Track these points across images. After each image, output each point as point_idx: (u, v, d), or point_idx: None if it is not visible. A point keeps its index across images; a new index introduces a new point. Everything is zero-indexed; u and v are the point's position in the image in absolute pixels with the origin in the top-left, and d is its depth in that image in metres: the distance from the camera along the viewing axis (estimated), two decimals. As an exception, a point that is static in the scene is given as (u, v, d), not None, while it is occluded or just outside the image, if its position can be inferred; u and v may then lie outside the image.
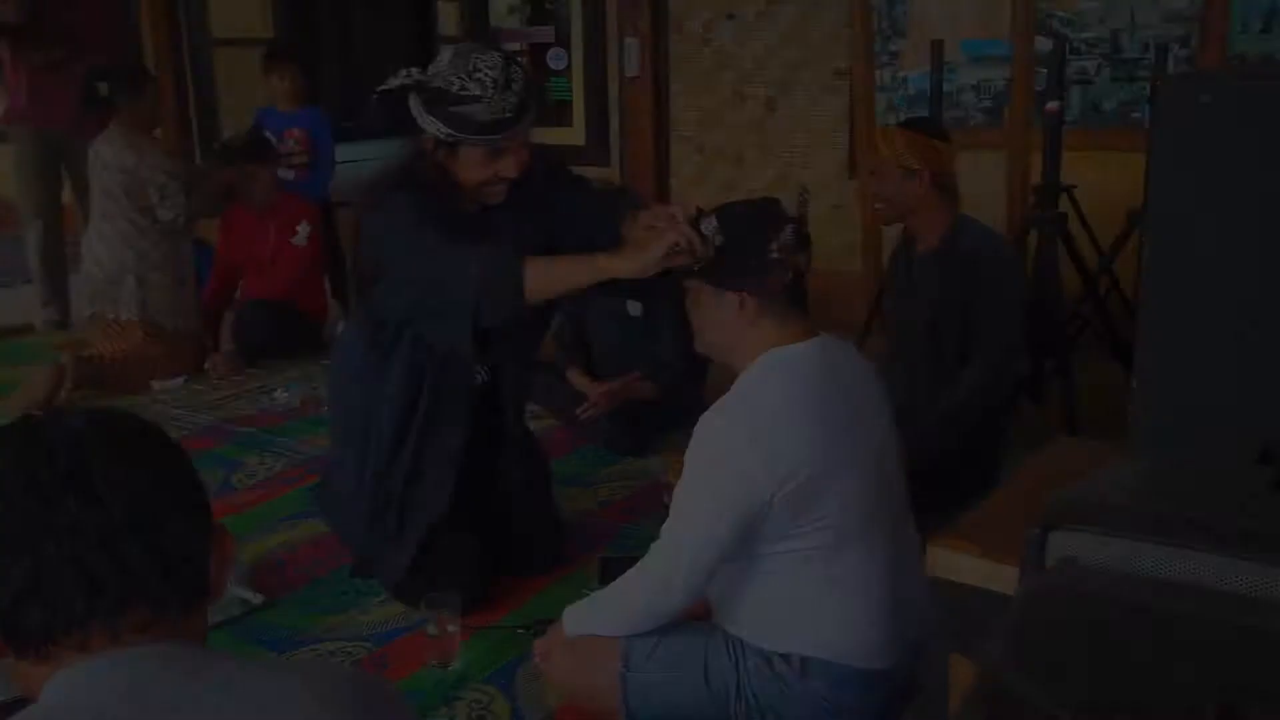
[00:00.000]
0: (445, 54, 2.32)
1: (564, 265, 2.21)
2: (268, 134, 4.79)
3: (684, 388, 3.57)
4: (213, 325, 4.72)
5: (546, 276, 2.18)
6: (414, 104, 2.30)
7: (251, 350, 4.58)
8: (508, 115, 2.25)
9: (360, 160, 8.95)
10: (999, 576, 1.83)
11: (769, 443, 1.87)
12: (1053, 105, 3.54)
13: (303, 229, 4.66)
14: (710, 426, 1.93)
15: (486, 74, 2.23)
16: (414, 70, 2.30)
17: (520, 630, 2.44)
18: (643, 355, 3.60)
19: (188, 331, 4.47)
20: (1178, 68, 3.98)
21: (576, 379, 3.52)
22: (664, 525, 1.99)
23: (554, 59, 5.57)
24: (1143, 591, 0.94)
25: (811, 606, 1.98)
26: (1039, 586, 0.98)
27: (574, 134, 5.50)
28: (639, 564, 2.01)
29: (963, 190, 3.03)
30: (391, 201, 2.31)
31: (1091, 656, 0.88)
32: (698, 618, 2.21)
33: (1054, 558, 1.14)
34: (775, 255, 1.97)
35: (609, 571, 2.68)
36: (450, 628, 2.33)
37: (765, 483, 1.86)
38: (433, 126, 2.27)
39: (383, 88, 2.29)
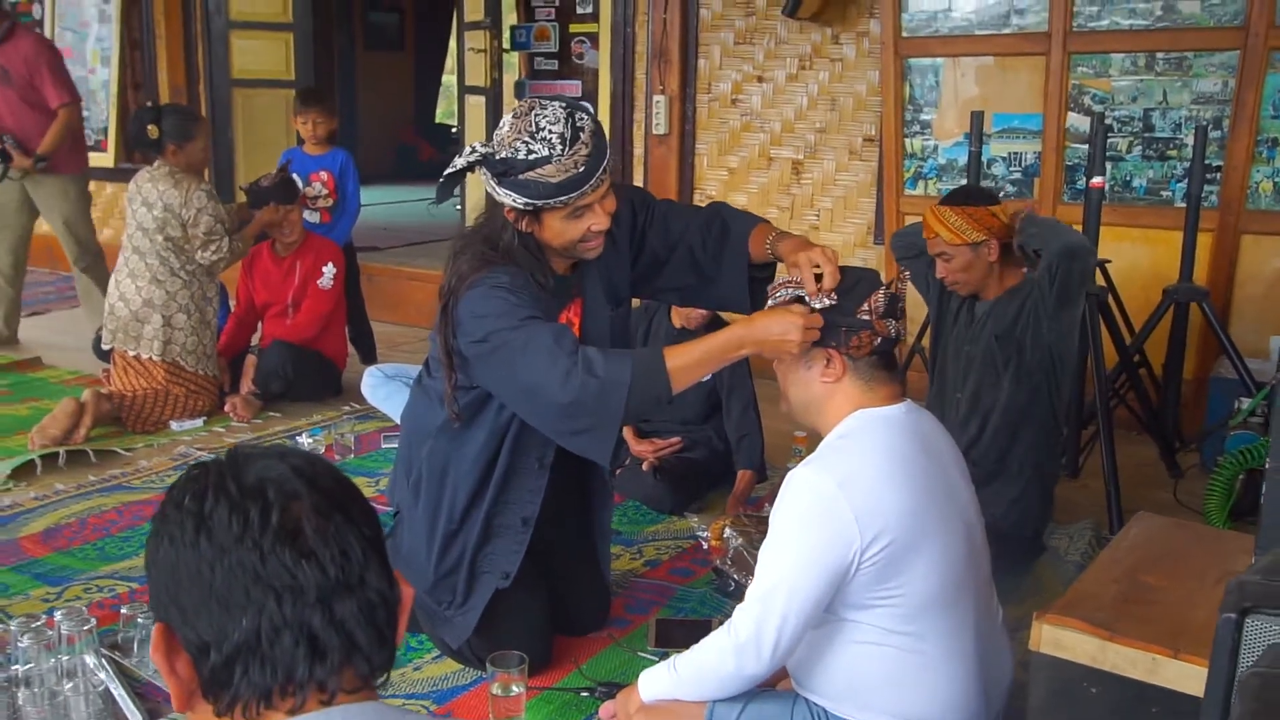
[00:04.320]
0: (505, 119, 2.24)
1: (704, 352, 2.11)
2: (294, 175, 4.76)
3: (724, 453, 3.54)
4: (229, 366, 4.65)
5: (689, 371, 2.11)
6: (484, 177, 2.22)
7: (272, 393, 4.51)
8: (580, 170, 2.16)
9: (376, 204, 8.99)
10: (1107, 655, 1.82)
11: (860, 496, 1.84)
12: (1098, 180, 3.58)
13: (328, 271, 4.62)
14: (799, 480, 1.89)
15: (550, 130, 2.14)
16: (478, 145, 2.21)
17: (584, 693, 2.38)
18: (683, 412, 3.56)
19: (208, 373, 4.40)
20: (1209, 149, 4.04)
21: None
22: (750, 588, 1.95)
23: (579, 114, 5.60)
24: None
25: (901, 676, 1.93)
26: (1272, 676, 0.96)
27: (597, 189, 5.50)
28: (725, 626, 1.96)
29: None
30: (486, 300, 2.18)
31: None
32: (770, 685, 2.17)
33: (1253, 644, 1.12)
34: (865, 317, 1.97)
35: (665, 634, 2.64)
36: (516, 688, 2.26)
37: (855, 535, 1.82)
38: (509, 199, 2.20)
39: (450, 170, 2.21)
